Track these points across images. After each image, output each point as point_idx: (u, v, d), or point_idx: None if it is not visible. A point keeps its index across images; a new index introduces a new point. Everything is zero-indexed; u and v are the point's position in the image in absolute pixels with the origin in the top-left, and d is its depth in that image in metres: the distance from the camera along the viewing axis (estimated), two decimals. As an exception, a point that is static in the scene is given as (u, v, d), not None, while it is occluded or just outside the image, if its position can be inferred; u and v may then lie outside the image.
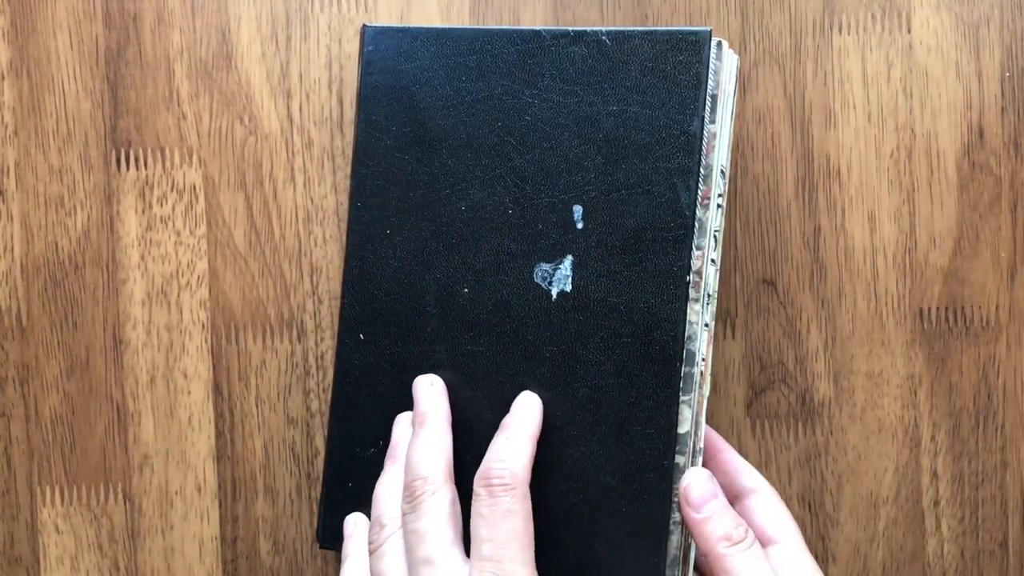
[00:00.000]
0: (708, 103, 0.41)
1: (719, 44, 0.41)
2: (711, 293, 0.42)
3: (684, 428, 0.41)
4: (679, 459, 0.41)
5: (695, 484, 0.40)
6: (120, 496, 0.46)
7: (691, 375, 0.41)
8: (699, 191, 0.41)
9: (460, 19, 0.48)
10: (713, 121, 0.41)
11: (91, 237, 0.48)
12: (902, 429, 0.48)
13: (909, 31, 0.48)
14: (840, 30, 0.48)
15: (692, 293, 0.41)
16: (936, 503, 0.48)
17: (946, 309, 0.48)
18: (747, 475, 0.44)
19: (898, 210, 0.48)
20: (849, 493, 0.48)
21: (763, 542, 0.42)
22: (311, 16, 0.48)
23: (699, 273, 0.41)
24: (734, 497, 0.44)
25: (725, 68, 0.41)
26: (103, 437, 0.49)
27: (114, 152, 0.48)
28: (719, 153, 0.41)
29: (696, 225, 0.41)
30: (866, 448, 0.48)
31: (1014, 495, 0.49)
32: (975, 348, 0.48)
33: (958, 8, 0.48)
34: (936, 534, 0.48)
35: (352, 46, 0.48)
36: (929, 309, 0.48)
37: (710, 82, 0.41)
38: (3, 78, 0.48)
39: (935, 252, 0.48)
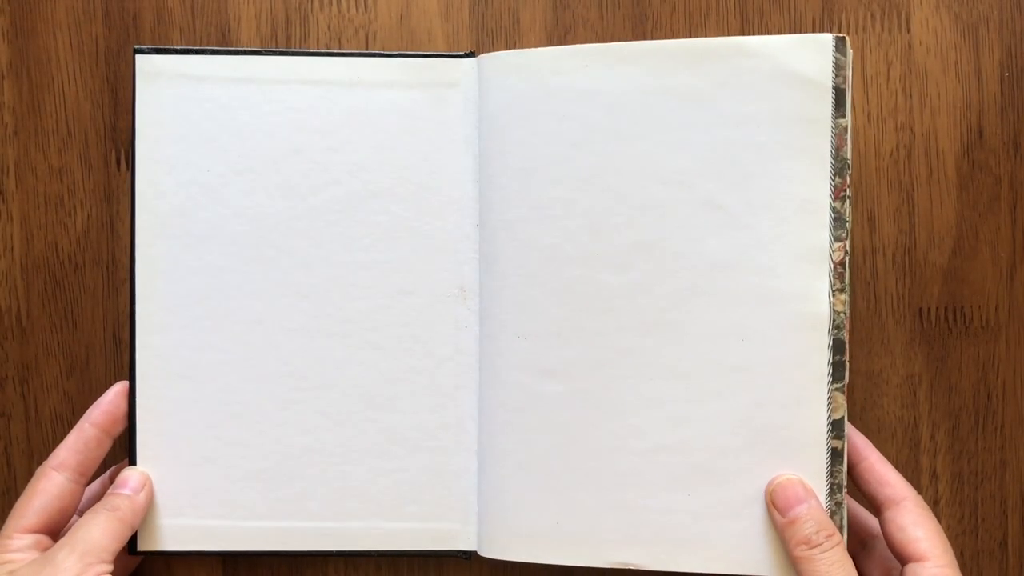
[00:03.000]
0: (836, 97, 0.42)
1: (843, 39, 0.42)
2: (846, 284, 0.43)
3: (839, 415, 0.42)
4: (836, 444, 0.43)
5: (779, 489, 0.42)
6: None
7: (842, 363, 0.42)
8: (834, 184, 0.42)
9: (460, 19, 0.48)
10: (843, 115, 0.42)
11: (91, 237, 0.48)
12: (901, 429, 0.48)
13: (908, 31, 0.48)
14: (839, 30, 0.48)
15: (837, 284, 0.42)
16: (936, 503, 0.48)
17: (945, 309, 0.48)
18: (890, 485, 0.42)
19: (897, 210, 0.48)
20: (849, 492, 0.48)
21: (904, 559, 0.41)
22: (311, 16, 0.48)
23: (842, 264, 0.42)
24: (877, 508, 0.43)
25: (848, 63, 0.42)
26: (103, 437, 0.49)
27: (114, 152, 0.48)
28: (849, 146, 0.42)
29: (834, 216, 0.42)
30: (866, 448, 0.48)
31: (1013, 495, 0.49)
32: (974, 348, 0.48)
33: (957, 8, 0.48)
34: (936, 534, 0.48)
35: (352, 46, 0.48)
36: (928, 309, 0.48)
37: (837, 77, 0.42)
38: (3, 78, 0.48)
39: (934, 252, 0.48)
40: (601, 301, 0.44)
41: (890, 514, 0.42)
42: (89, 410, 0.45)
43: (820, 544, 0.40)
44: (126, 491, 0.43)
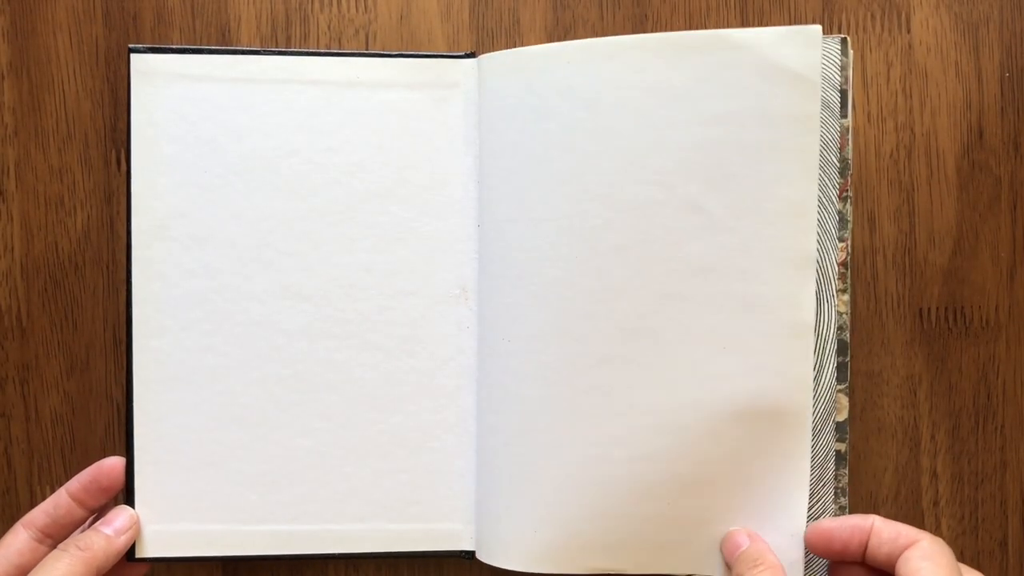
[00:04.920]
0: (839, 98, 0.42)
1: (845, 40, 0.42)
2: (848, 285, 0.43)
3: (843, 416, 0.42)
4: (839, 446, 0.43)
5: (724, 540, 0.43)
6: (120, 496, 0.46)
7: (845, 365, 0.42)
8: (837, 185, 0.42)
9: (460, 19, 0.48)
10: (845, 116, 0.42)
11: (91, 237, 0.48)
12: (902, 429, 0.48)
13: (908, 31, 0.48)
14: (839, 30, 0.48)
15: (839, 284, 0.42)
16: (936, 503, 0.48)
17: (946, 309, 0.48)
18: (902, 535, 0.40)
19: (898, 210, 0.48)
20: (849, 493, 0.48)
21: (897, 550, 0.40)
22: (311, 16, 0.48)
23: (845, 265, 0.42)
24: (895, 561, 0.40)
25: (850, 63, 0.42)
26: (103, 437, 0.49)
27: (114, 152, 0.48)
28: (850, 146, 0.42)
29: (838, 218, 0.42)
30: (866, 448, 0.48)
31: (1013, 495, 0.49)
32: (975, 348, 0.48)
33: (958, 8, 0.48)
34: (935, 534, 0.48)
35: (352, 46, 0.48)
36: (929, 309, 0.48)
37: (839, 77, 0.42)
38: (3, 78, 0.48)
39: (935, 252, 0.48)
40: (581, 305, 0.43)
41: (904, 554, 0.39)
42: (74, 477, 0.44)
43: (750, 570, 0.40)
44: (107, 530, 0.43)
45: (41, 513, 0.43)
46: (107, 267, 0.48)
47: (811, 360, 0.42)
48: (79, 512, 0.44)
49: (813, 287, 0.42)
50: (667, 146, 0.42)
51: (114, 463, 0.44)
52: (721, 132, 0.41)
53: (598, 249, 0.42)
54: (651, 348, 0.42)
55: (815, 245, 0.42)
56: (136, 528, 0.44)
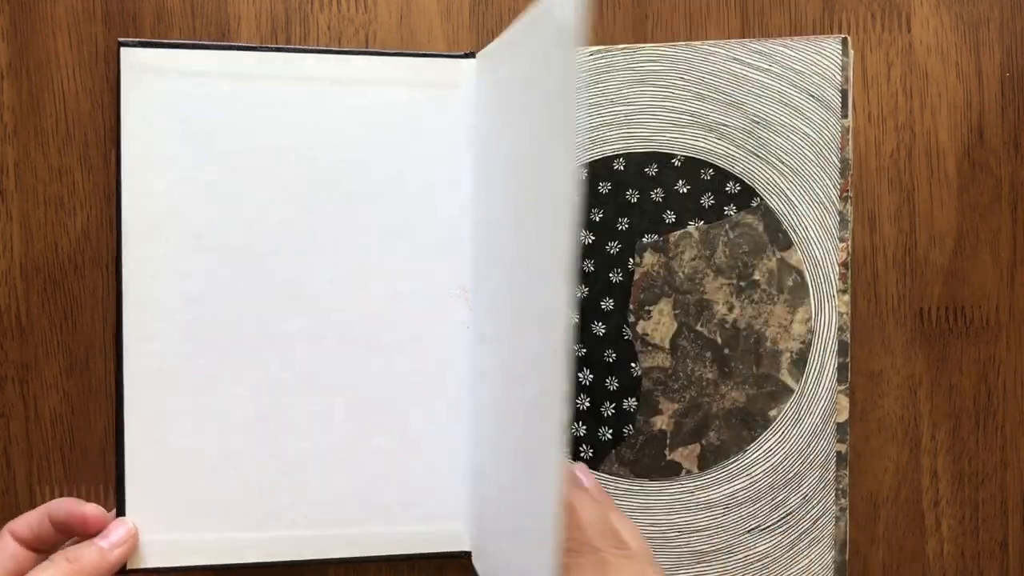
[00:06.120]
0: (840, 98, 0.42)
1: (845, 40, 0.42)
2: (848, 285, 0.43)
3: (843, 417, 0.43)
4: (840, 447, 0.43)
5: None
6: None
7: (845, 365, 0.43)
8: (837, 185, 0.42)
9: (460, 19, 0.48)
10: (846, 116, 0.42)
11: (91, 237, 0.48)
12: (902, 429, 0.48)
13: (909, 31, 0.48)
14: (840, 30, 0.48)
15: (840, 284, 0.42)
16: (936, 503, 0.48)
17: (946, 309, 0.48)
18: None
19: (898, 210, 0.48)
20: (849, 493, 0.48)
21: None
22: (311, 16, 0.48)
23: (845, 265, 0.42)
24: None
25: (850, 63, 0.42)
26: (103, 437, 0.49)
27: (114, 152, 0.48)
28: (851, 146, 0.43)
29: (838, 218, 0.42)
30: (866, 448, 0.48)
31: (1014, 495, 0.49)
32: (975, 348, 0.48)
33: (958, 8, 0.48)
34: (936, 534, 0.48)
35: (351, 46, 0.48)
36: (929, 309, 0.48)
37: (839, 77, 0.42)
38: (3, 78, 0.48)
39: (935, 252, 0.48)
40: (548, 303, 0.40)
41: None
42: (62, 500, 0.42)
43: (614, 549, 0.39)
44: (102, 543, 0.41)
45: (24, 526, 0.41)
46: (107, 267, 0.48)
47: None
48: (61, 536, 0.42)
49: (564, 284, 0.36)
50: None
51: (99, 516, 0.42)
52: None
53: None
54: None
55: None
56: (132, 543, 0.42)
